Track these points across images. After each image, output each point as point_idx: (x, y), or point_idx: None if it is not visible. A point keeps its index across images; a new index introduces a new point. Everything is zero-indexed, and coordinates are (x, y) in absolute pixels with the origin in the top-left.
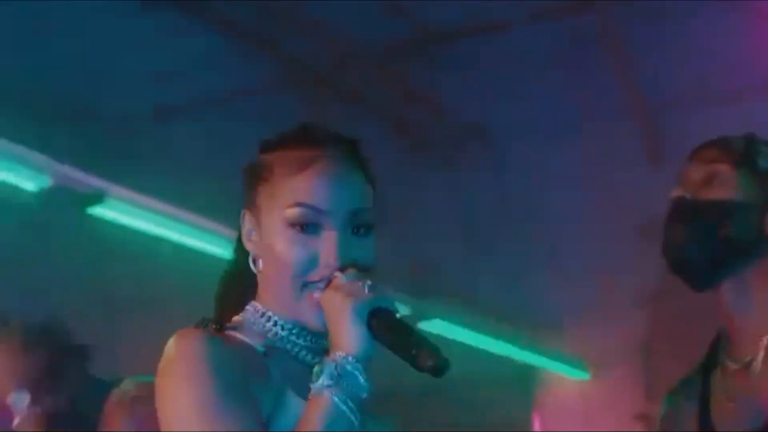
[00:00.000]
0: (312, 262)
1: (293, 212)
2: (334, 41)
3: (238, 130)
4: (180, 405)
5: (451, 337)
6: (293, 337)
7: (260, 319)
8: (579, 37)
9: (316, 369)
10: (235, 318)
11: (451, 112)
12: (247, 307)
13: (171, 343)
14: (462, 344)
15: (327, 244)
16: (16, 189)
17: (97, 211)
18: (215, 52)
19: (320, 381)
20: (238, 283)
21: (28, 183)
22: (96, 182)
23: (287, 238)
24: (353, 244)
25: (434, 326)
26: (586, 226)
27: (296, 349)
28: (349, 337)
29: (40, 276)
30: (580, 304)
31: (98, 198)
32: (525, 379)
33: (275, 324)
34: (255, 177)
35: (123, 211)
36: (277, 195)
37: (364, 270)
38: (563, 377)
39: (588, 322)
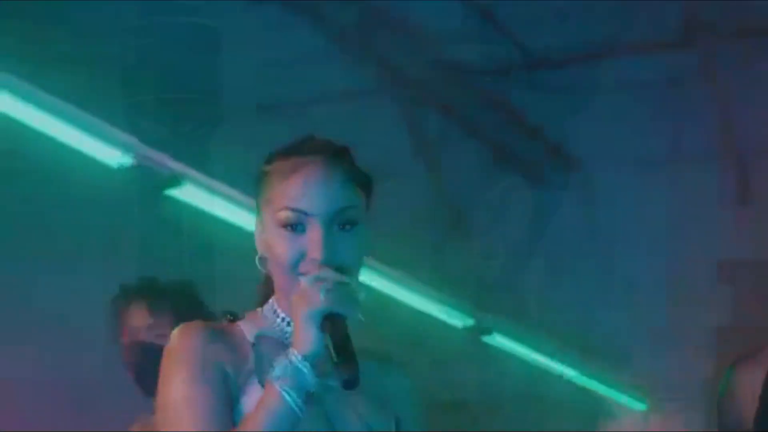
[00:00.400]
0: (301, 258)
1: (282, 215)
2: (437, 52)
3: (332, 129)
4: (165, 389)
5: (511, 353)
6: (288, 328)
7: (269, 310)
8: (679, 73)
9: (274, 363)
10: (260, 308)
11: (543, 133)
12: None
13: (173, 334)
14: (524, 363)
15: (312, 242)
16: (99, 164)
17: (174, 193)
18: (317, 52)
19: (274, 373)
20: (269, 279)
21: (111, 159)
22: (176, 165)
23: (280, 238)
24: (338, 240)
25: (494, 341)
26: (665, 259)
27: (288, 338)
28: (301, 338)
29: (115, 248)
30: (648, 335)
31: (176, 181)
32: (584, 403)
33: (277, 315)
34: (258, 185)
35: (199, 197)
36: (272, 200)
37: (346, 265)
38: (623, 405)
39: (654, 354)
